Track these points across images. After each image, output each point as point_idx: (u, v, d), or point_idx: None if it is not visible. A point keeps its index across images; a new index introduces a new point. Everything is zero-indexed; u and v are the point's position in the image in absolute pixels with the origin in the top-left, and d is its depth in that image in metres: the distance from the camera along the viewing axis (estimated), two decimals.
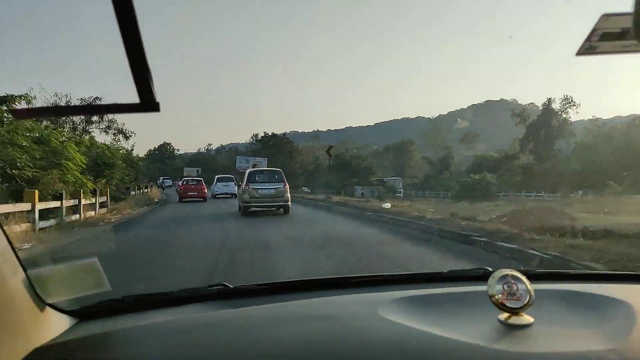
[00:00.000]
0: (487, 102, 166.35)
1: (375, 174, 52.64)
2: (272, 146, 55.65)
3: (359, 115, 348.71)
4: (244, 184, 15.52)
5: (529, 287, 0.95)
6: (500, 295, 0.94)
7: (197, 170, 59.19)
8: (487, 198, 29.14)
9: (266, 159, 45.68)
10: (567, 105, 47.78)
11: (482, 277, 0.98)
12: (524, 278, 0.96)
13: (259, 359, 0.82)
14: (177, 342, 0.90)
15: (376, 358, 0.81)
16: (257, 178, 15.51)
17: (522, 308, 0.94)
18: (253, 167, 37.37)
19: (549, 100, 47.91)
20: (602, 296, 1.07)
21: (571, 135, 47.03)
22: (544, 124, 47.40)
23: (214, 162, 68.20)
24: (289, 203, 15.26)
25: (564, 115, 47.94)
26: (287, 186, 15.43)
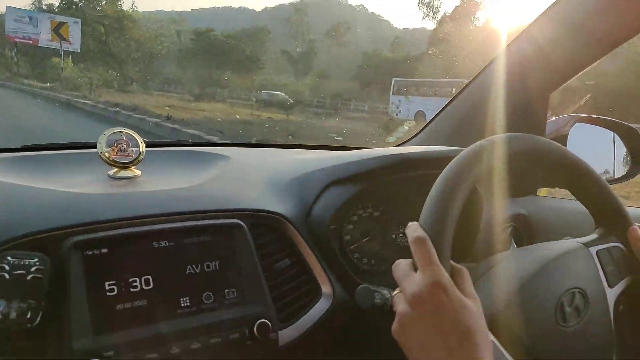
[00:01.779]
0: None
1: (263, 67, 35.49)
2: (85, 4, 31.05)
3: None
4: None
5: (140, 145, 1.04)
6: (109, 153, 1.02)
7: None
8: None
9: (79, 21, 23.43)
10: None
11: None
12: (136, 137, 1.05)
13: None
14: None
15: None
16: None
17: (131, 163, 1.03)
18: (52, 31, 20.10)
19: None
20: (208, 153, 1.24)
21: None
22: None
23: None
24: None
25: None
26: None
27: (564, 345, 0.70)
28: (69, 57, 21.66)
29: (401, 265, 0.65)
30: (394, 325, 0.63)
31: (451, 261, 0.65)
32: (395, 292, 0.65)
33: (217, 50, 32.62)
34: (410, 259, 0.65)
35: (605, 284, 0.80)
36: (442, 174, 0.69)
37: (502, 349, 0.66)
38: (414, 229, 0.65)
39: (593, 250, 0.82)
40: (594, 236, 0.86)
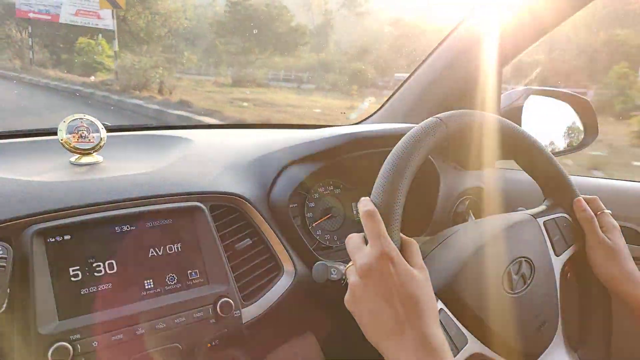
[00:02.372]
0: None
1: (309, 42, 25.64)
2: None
3: None
4: None
5: (101, 131, 1.04)
6: (71, 140, 1.02)
7: None
8: None
9: None
10: None
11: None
12: (97, 122, 1.05)
13: None
14: None
15: None
16: None
17: (92, 149, 1.04)
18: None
19: None
20: (170, 136, 1.25)
21: None
22: None
23: None
24: None
25: None
26: None
27: (510, 310, 0.75)
28: (98, 36, 14.18)
29: (353, 239, 0.69)
30: (346, 296, 0.67)
31: (401, 234, 0.69)
32: (348, 265, 0.69)
33: (257, 22, 24.41)
34: (362, 233, 0.68)
35: (551, 252, 0.85)
36: (393, 151, 0.72)
37: (451, 315, 0.71)
38: (364, 204, 0.68)
39: (540, 220, 0.87)
40: (542, 207, 0.91)
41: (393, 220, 0.67)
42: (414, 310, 0.62)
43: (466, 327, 0.71)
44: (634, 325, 0.84)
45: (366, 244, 0.66)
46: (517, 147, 0.87)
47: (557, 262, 0.85)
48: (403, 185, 0.69)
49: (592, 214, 0.88)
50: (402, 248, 0.68)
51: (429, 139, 0.73)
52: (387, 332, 0.62)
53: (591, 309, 0.89)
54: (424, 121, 0.75)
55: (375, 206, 0.67)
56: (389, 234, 0.65)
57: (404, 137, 0.73)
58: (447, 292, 0.72)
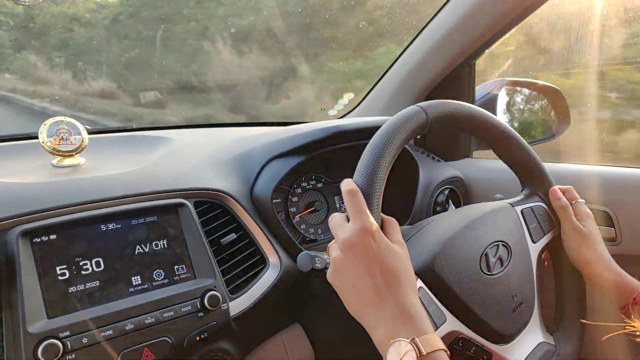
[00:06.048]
0: None
1: None
2: None
3: None
4: None
5: (82, 133, 1.05)
6: (51, 142, 1.02)
7: None
8: None
9: None
10: None
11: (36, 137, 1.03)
12: (78, 125, 1.06)
13: None
14: None
15: None
16: None
17: (74, 151, 1.04)
18: None
19: None
20: (151, 137, 1.26)
21: None
22: None
23: None
24: None
25: None
26: None
27: (487, 291, 0.78)
28: None
29: (336, 218, 0.72)
30: (329, 271, 0.69)
31: (381, 213, 0.72)
32: (331, 243, 0.71)
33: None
34: (345, 213, 0.71)
35: (528, 239, 0.89)
36: (374, 135, 0.74)
37: (430, 293, 0.74)
38: (347, 184, 0.71)
39: (518, 209, 0.90)
40: (520, 196, 0.95)
41: (374, 200, 0.70)
42: (393, 281, 0.65)
43: (445, 306, 0.74)
44: (606, 306, 0.87)
45: (348, 222, 0.69)
46: (495, 137, 0.90)
47: (534, 249, 0.89)
48: (383, 167, 0.72)
49: (567, 202, 0.92)
50: (383, 225, 0.71)
51: (409, 125, 0.75)
52: (367, 302, 0.65)
53: (566, 293, 0.93)
54: (406, 109, 0.78)
55: (357, 186, 0.70)
56: (370, 212, 0.68)
57: (385, 123, 0.76)
58: (426, 272, 0.75)
